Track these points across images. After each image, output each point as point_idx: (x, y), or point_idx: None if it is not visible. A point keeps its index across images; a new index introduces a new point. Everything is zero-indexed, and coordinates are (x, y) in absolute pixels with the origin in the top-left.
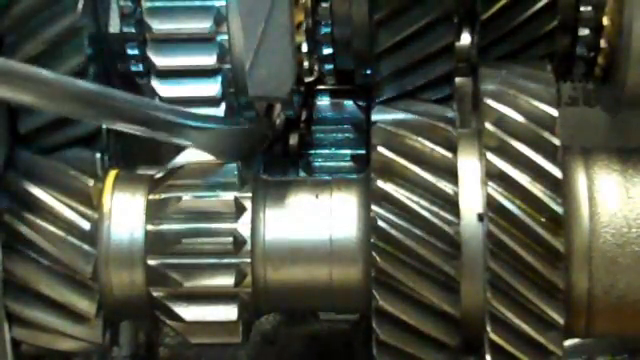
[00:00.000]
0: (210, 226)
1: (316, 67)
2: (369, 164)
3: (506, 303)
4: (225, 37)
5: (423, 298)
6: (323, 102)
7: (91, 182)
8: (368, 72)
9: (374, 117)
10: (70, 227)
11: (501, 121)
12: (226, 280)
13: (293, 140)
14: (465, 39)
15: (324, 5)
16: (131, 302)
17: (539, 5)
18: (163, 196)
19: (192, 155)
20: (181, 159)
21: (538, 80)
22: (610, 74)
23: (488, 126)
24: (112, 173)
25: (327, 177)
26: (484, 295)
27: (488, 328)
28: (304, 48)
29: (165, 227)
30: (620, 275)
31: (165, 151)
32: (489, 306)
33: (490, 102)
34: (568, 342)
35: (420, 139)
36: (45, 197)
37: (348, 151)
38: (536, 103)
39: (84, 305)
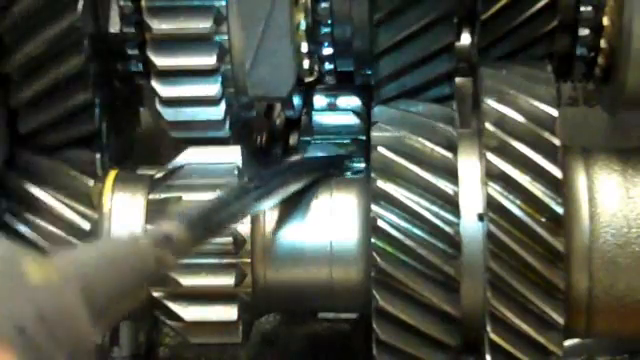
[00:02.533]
0: None
1: (316, 67)
2: (369, 164)
3: (506, 303)
4: (225, 37)
5: (423, 298)
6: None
7: (91, 182)
8: (368, 72)
9: (374, 117)
10: (70, 227)
11: (501, 121)
12: (226, 280)
13: (293, 140)
14: (465, 39)
15: (324, 5)
16: None
17: (539, 5)
18: (163, 196)
19: (192, 155)
20: (181, 159)
21: (538, 80)
22: (610, 74)
23: (488, 126)
24: (112, 173)
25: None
26: (484, 295)
27: (488, 328)
28: (304, 48)
29: None
30: (620, 275)
31: (165, 151)
32: (489, 306)
33: (490, 102)
34: (568, 342)
35: (420, 139)
36: (45, 197)
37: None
38: (536, 103)
39: None
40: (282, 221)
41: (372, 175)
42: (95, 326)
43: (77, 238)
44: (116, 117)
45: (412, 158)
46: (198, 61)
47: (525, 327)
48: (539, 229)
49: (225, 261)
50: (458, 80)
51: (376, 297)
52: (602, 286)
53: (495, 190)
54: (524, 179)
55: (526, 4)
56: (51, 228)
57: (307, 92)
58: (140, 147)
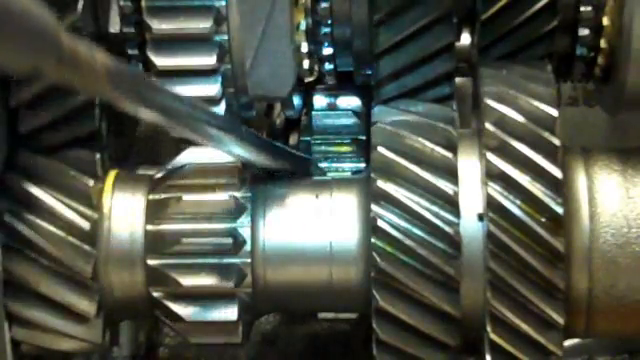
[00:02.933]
0: (210, 226)
1: (316, 67)
2: (369, 164)
3: (506, 303)
4: (225, 37)
5: (423, 298)
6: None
7: (91, 182)
8: (368, 72)
9: (374, 117)
10: (70, 227)
11: (501, 121)
12: (226, 280)
13: (293, 140)
14: (465, 39)
15: (324, 5)
16: (131, 302)
17: (539, 5)
18: (163, 196)
19: (192, 155)
20: (181, 159)
21: (538, 80)
22: (610, 74)
23: (488, 126)
24: (112, 173)
25: (327, 177)
26: (484, 295)
27: (488, 328)
28: (304, 48)
29: (165, 227)
30: (620, 275)
31: (165, 151)
32: (489, 306)
33: (490, 102)
34: (568, 342)
35: (420, 139)
36: (45, 197)
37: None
38: (536, 103)
39: (84, 305)
40: (282, 221)
41: (372, 175)
42: None
43: (77, 238)
44: (116, 117)
45: (412, 158)
46: (198, 61)
47: (525, 327)
48: (539, 229)
49: (225, 261)
50: (458, 80)
51: (376, 297)
52: (602, 286)
53: (495, 190)
54: (524, 179)
55: (526, 4)
56: (51, 228)
57: (307, 92)
58: (140, 147)
